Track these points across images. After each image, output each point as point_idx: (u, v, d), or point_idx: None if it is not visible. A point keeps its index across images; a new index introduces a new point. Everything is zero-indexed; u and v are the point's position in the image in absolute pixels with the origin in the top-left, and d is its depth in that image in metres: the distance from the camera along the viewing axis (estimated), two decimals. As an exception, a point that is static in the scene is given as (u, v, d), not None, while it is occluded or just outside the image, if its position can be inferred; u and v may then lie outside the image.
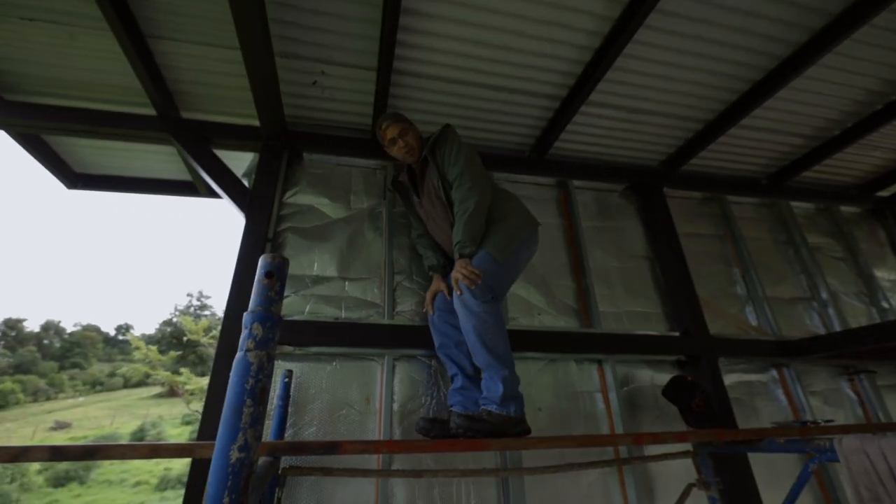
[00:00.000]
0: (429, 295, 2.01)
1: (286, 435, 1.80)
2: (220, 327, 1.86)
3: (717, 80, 2.27)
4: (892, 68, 2.27)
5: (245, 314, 0.61)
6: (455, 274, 1.66)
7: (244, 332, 0.58)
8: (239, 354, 0.55)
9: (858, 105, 2.48)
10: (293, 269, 2.12)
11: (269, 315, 0.61)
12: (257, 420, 0.54)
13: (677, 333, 2.36)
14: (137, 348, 18.75)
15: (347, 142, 2.42)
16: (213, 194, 2.76)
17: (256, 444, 0.52)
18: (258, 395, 0.54)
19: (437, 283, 1.96)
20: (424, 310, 2.13)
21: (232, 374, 0.54)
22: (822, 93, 2.40)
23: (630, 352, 2.22)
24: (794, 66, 2.13)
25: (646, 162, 2.85)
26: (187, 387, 18.45)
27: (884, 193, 3.26)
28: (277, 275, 0.65)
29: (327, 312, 2.06)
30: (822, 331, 2.65)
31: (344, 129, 2.43)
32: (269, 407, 1.83)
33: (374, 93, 2.17)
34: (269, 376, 0.57)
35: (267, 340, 0.59)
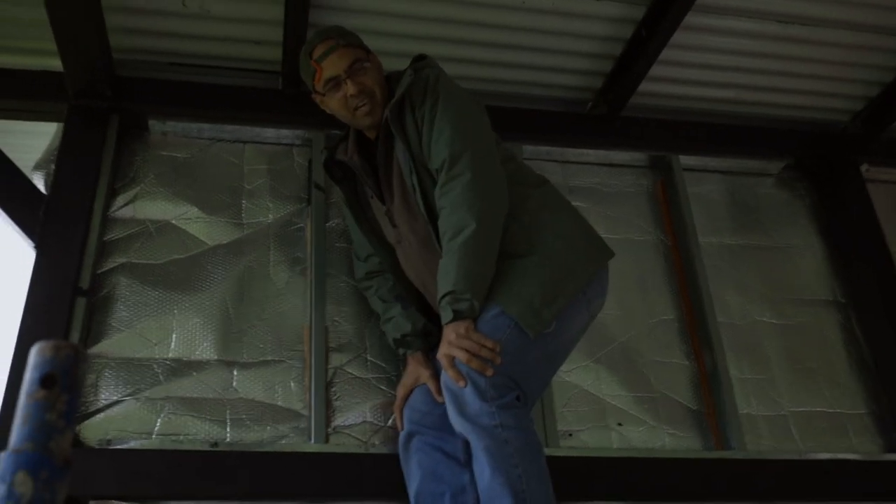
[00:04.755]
0: (400, 393, 2.02)
1: None
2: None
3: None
4: None
5: (2, 456, 0.65)
6: (446, 350, 1.70)
7: (1, 490, 0.62)
8: (-12, 534, 0.57)
9: None
10: (131, 349, 2.15)
11: (46, 458, 0.65)
12: None
13: (901, 455, 2.39)
14: None
15: (234, 96, 2.49)
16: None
17: None
18: None
19: (417, 370, 1.99)
20: (390, 422, 2.15)
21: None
22: None
23: (811, 498, 2.24)
24: None
25: (824, 118, 2.92)
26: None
27: None
28: (64, 381, 0.68)
29: (196, 432, 2.08)
30: None
31: (228, 72, 2.51)
32: None
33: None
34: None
35: (41, 503, 0.62)
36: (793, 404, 2.48)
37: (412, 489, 1.90)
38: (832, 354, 2.59)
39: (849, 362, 2.59)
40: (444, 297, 1.72)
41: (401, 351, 2.07)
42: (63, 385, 0.68)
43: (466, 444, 1.84)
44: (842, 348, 2.61)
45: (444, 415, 1.88)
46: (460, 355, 1.66)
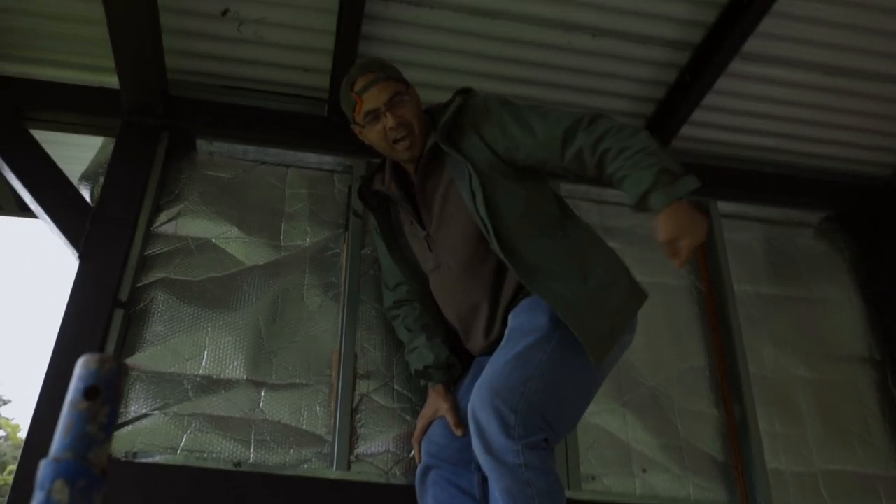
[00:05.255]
0: (419, 425, 2.02)
1: None
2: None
3: None
4: None
5: (42, 463, 0.66)
6: (686, 230, 1.63)
7: (38, 498, 0.63)
8: (25, 541, 0.59)
9: None
10: (163, 363, 2.19)
11: (85, 467, 0.66)
12: None
13: (935, 524, 2.33)
14: None
15: (280, 121, 2.55)
16: (25, 211, 2.91)
17: None
18: None
19: (437, 402, 1.99)
20: (412, 454, 2.15)
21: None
22: None
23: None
24: None
25: (866, 171, 2.92)
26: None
27: None
28: (107, 394, 0.70)
29: (221, 450, 2.10)
30: None
31: (276, 97, 2.59)
32: None
33: (336, 30, 2.32)
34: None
35: None
36: (823, 462, 2.43)
37: None
38: (866, 413, 2.55)
39: (883, 422, 2.54)
40: (664, 171, 1.67)
41: (422, 382, 2.08)
42: (105, 397, 0.70)
43: (482, 480, 1.82)
44: (876, 407, 2.57)
45: (461, 449, 1.88)
46: (692, 241, 1.63)
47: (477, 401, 1.69)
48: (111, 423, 0.70)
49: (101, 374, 0.71)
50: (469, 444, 1.85)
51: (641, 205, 1.68)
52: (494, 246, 1.82)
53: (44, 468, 0.68)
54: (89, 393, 0.71)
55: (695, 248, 1.64)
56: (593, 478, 2.26)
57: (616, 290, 1.85)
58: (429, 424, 2.00)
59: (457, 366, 2.06)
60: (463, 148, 1.91)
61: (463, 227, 1.93)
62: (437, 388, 2.02)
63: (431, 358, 2.03)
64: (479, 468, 1.84)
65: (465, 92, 2.03)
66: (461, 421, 1.91)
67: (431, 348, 2.05)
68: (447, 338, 2.10)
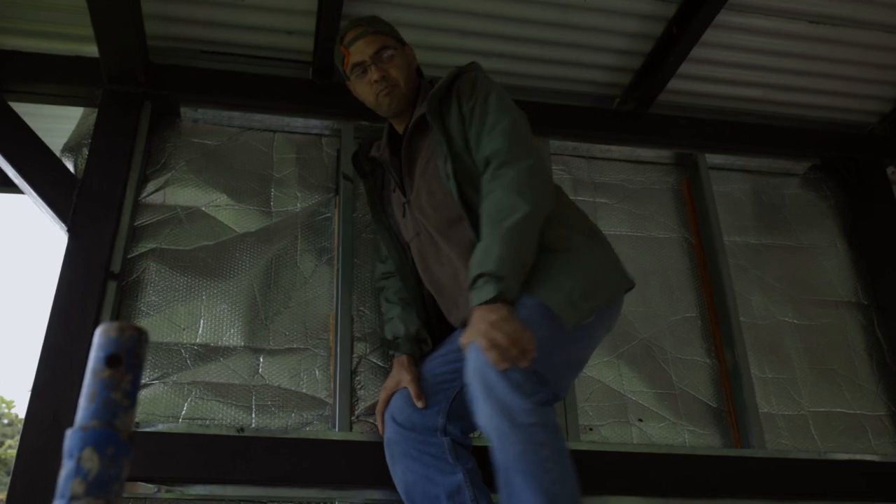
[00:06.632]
0: (382, 396, 1.99)
1: None
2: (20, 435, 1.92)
3: None
4: None
5: (68, 433, 0.66)
6: (487, 332, 1.57)
7: (67, 466, 0.63)
8: (58, 508, 0.59)
9: None
10: (160, 333, 2.20)
11: (113, 434, 0.66)
12: None
13: (921, 460, 2.39)
14: None
15: (265, 85, 2.52)
16: (9, 186, 2.87)
17: None
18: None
19: (399, 374, 1.95)
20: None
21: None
22: None
23: (829, 497, 2.25)
24: None
25: (851, 118, 2.94)
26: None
27: None
28: (128, 361, 0.70)
29: (223, 417, 2.12)
30: None
31: (259, 61, 2.56)
32: None
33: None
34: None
35: (109, 480, 0.63)
36: (813, 404, 2.50)
37: (399, 487, 1.88)
38: (853, 356, 2.62)
39: (870, 364, 2.61)
40: (482, 275, 1.64)
41: (390, 353, 2.09)
42: (127, 365, 0.70)
43: (453, 443, 1.82)
44: (863, 350, 2.64)
45: (427, 418, 1.86)
46: (502, 340, 1.56)
47: (480, 363, 1.63)
48: (135, 390, 0.70)
49: (121, 341, 0.71)
50: (434, 414, 1.86)
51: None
52: (470, 234, 1.82)
53: (71, 437, 0.68)
54: (111, 361, 0.71)
55: (511, 351, 1.55)
56: (591, 429, 2.31)
57: (604, 257, 1.87)
58: (391, 396, 1.97)
59: (427, 341, 2.05)
60: (448, 122, 1.91)
61: (440, 195, 1.93)
62: (402, 359, 1.99)
63: (402, 329, 2.05)
64: (445, 433, 1.84)
65: (468, 66, 2.01)
66: (423, 392, 1.89)
67: (404, 320, 2.07)
68: (423, 313, 2.11)
